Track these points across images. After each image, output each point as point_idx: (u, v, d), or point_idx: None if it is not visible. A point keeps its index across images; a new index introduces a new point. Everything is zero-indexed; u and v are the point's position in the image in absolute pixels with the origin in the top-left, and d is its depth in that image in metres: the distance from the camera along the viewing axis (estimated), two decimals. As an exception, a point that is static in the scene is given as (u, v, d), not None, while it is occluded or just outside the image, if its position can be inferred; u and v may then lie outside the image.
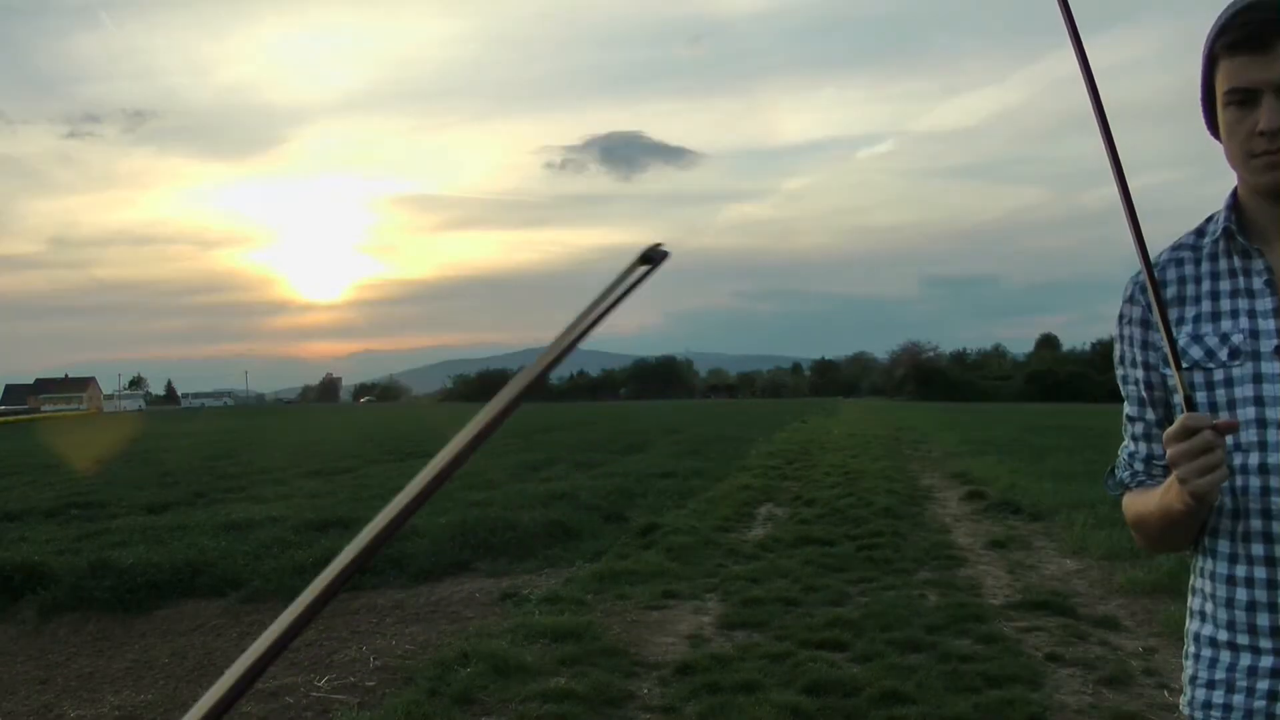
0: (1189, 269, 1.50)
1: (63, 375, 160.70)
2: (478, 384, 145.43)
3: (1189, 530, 1.45)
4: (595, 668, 5.22)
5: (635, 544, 8.95)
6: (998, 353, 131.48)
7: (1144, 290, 1.50)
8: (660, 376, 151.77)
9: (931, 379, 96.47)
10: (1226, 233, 1.46)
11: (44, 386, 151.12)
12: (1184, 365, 1.43)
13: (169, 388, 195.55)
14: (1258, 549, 1.39)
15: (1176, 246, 1.54)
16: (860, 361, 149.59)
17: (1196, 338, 1.45)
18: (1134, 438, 1.57)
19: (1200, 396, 1.43)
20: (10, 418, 72.31)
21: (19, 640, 6.55)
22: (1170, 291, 1.50)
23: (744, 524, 10.31)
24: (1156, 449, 1.52)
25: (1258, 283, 1.44)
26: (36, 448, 26.67)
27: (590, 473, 15.14)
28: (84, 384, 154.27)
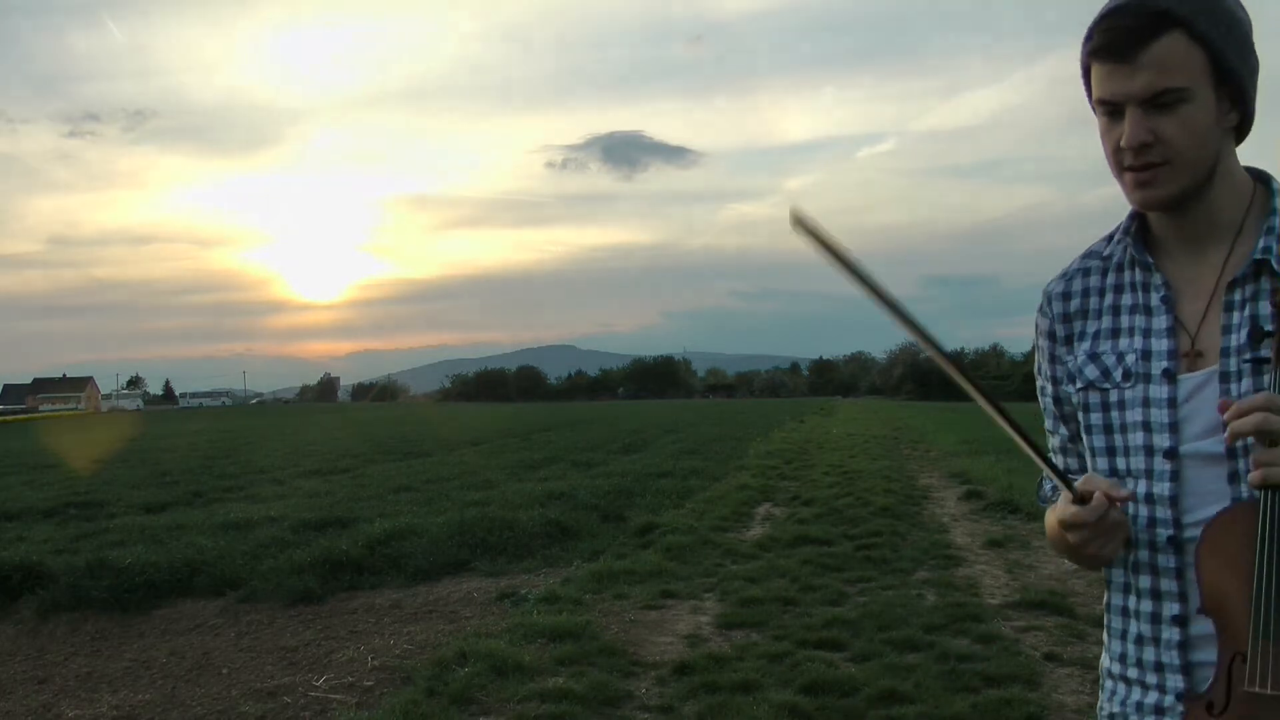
0: (1094, 280, 1.44)
1: (60, 375, 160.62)
2: (476, 384, 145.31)
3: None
4: (593, 667, 5.22)
5: (633, 544, 8.95)
6: (996, 352, 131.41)
7: (1052, 301, 1.46)
8: (658, 376, 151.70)
9: (929, 379, 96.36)
10: (1134, 245, 1.40)
11: (42, 386, 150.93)
12: (1079, 385, 1.41)
13: (167, 387, 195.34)
14: (1144, 581, 1.35)
15: (1087, 254, 1.47)
16: (858, 361, 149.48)
17: (1093, 356, 1.40)
18: (1053, 451, 1.52)
19: (1095, 418, 1.39)
20: (8, 417, 72.22)
21: (17, 640, 6.54)
22: (1074, 305, 1.44)
23: (742, 524, 10.31)
24: (1073, 464, 1.48)
25: (1154, 299, 1.37)
26: (34, 447, 26.65)
27: (588, 472, 15.14)
28: (82, 384, 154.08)
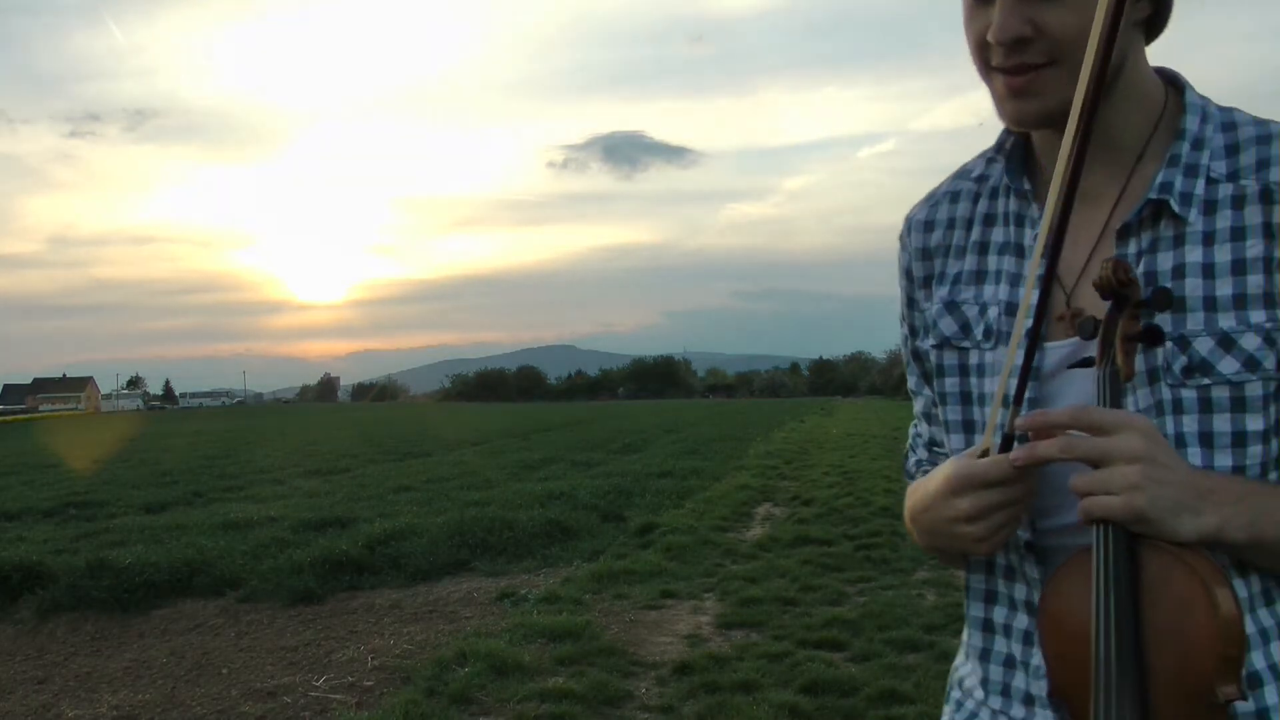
0: (963, 207, 1.13)
1: (61, 375, 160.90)
2: (476, 384, 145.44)
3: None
4: (593, 667, 5.23)
5: (633, 543, 8.95)
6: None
7: (912, 231, 1.17)
8: (658, 376, 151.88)
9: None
10: (1006, 166, 1.10)
11: (42, 386, 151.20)
12: (933, 341, 1.12)
13: (167, 387, 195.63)
14: (1020, 591, 1.07)
15: (959, 174, 1.16)
16: (858, 361, 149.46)
17: (951, 306, 1.11)
18: (918, 415, 1.23)
19: (950, 385, 1.11)
20: (8, 417, 72.26)
21: (17, 640, 6.54)
22: (935, 237, 1.14)
23: (742, 523, 10.31)
24: (937, 433, 1.18)
25: (1028, 236, 1.06)
26: (34, 447, 26.67)
27: (588, 472, 15.14)
28: (82, 384, 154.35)
